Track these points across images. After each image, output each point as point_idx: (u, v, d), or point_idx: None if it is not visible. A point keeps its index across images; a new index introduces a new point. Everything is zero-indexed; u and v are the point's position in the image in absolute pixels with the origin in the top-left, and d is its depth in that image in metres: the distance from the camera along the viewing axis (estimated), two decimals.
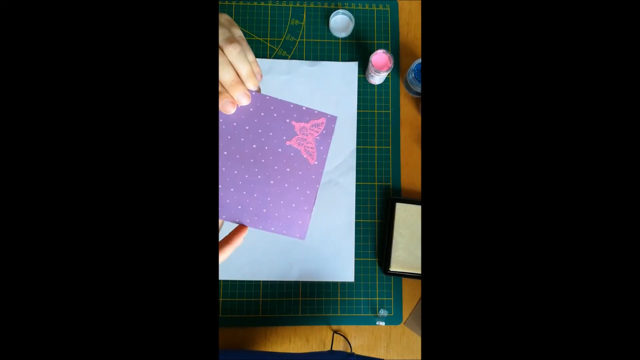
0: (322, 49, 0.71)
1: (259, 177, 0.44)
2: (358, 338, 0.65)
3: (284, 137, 0.44)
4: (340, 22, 0.71)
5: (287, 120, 0.43)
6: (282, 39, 0.71)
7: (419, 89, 0.68)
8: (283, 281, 0.66)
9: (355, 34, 0.72)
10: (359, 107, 0.70)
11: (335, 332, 0.65)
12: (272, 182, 0.44)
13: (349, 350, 0.64)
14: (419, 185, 0.68)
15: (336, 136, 0.69)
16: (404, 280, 0.66)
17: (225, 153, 0.43)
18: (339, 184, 0.67)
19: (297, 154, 0.44)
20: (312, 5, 0.72)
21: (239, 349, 0.64)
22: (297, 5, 0.72)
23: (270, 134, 0.44)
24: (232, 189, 0.43)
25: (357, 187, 0.68)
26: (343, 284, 0.66)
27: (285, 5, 0.72)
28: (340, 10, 0.70)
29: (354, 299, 0.66)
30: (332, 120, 0.44)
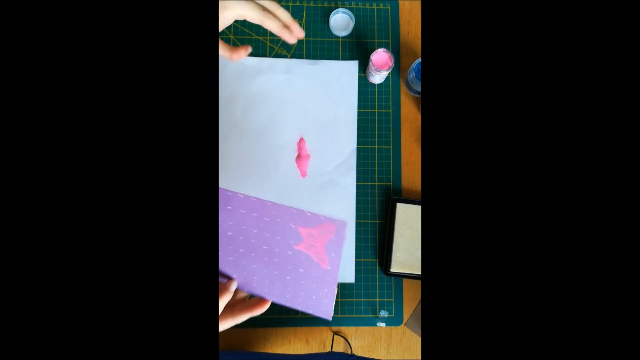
0: (322, 47, 0.71)
1: (276, 272, 0.43)
2: (358, 339, 0.65)
3: (292, 242, 0.41)
4: (341, 21, 0.71)
5: (292, 226, 0.41)
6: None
7: (419, 88, 0.67)
8: None
9: (356, 33, 0.71)
10: (359, 107, 0.69)
11: (335, 333, 0.65)
12: (288, 277, 0.43)
13: (349, 352, 0.64)
14: (420, 185, 0.68)
15: (336, 136, 0.68)
16: (405, 281, 0.66)
17: (242, 251, 0.42)
18: (339, 184, 0.67)
19: (307, 258, 0.42)
20: (312, 4, 0.72)
21: (239, 350, 0.64)
22: (297, 4, 0.72)
23: (278, 238, 0.41)
24: (245, 273, 0.44)
25: (358, 187, 0.68)
26: (343, 284, 0.65)
27: (285, 4, 0.71)
28: (340, 9, 0.70)
29: (354, 300, 0.65)
30: (342, 226, 0.41)
